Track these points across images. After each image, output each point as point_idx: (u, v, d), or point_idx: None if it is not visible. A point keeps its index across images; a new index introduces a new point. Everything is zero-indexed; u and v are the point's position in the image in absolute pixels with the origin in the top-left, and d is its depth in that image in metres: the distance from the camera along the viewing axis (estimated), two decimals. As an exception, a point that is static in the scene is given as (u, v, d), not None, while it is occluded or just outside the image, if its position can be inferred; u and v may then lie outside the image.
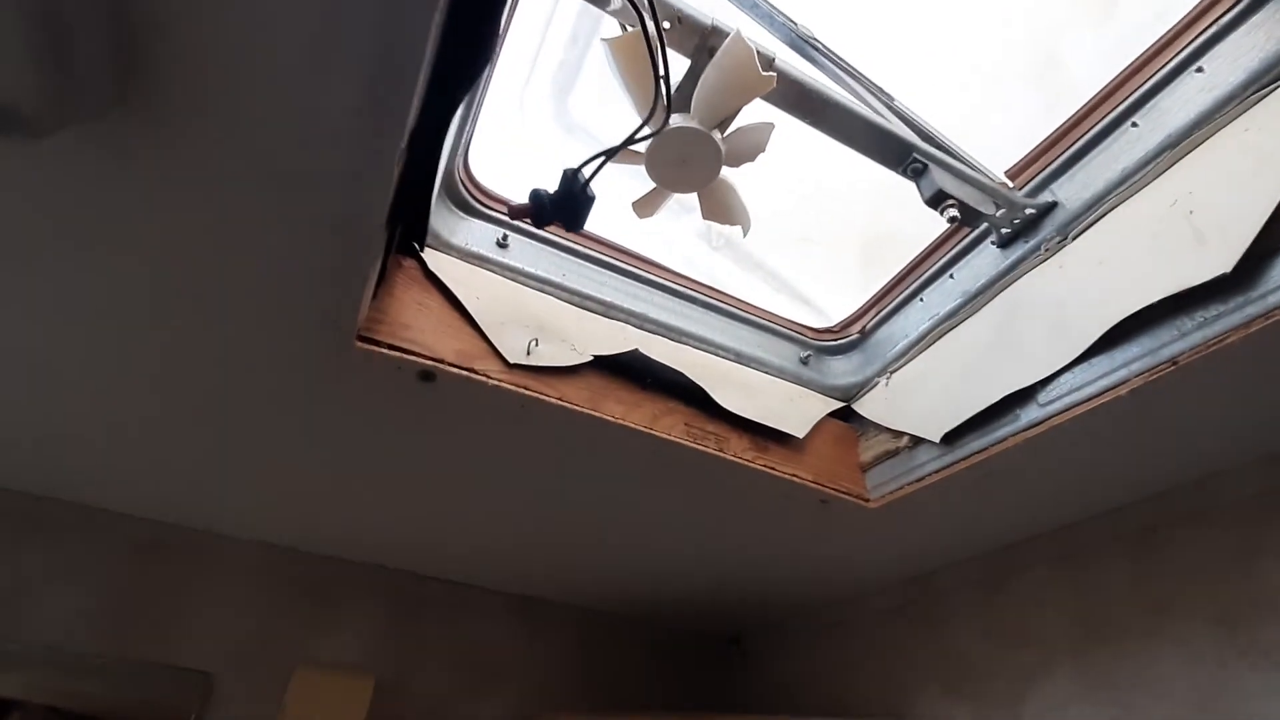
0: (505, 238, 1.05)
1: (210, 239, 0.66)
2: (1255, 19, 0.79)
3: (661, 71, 0.60)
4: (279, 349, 0.84)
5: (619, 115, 0.89)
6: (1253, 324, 0.72)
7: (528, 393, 0.93)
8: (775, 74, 0.79)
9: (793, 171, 1.32)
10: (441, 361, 0.89)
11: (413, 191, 0.68)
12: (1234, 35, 0.80)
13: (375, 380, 0.90)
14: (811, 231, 1.37)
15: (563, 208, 0.68)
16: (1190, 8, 0.85)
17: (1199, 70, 0.83)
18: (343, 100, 0.53)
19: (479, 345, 0.93)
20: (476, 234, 1.04)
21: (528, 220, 0.70)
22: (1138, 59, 0.89)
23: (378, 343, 0.86)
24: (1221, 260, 0.74)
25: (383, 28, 0.49)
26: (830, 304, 1.35)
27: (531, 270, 1.05)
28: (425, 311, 0.93)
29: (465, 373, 0.90)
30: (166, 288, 0.73)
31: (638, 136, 0.65)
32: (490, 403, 0.93)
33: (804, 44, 1.02)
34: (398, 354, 0.87)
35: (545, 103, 1.32)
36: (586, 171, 0.67)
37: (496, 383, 0.91)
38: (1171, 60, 0.85)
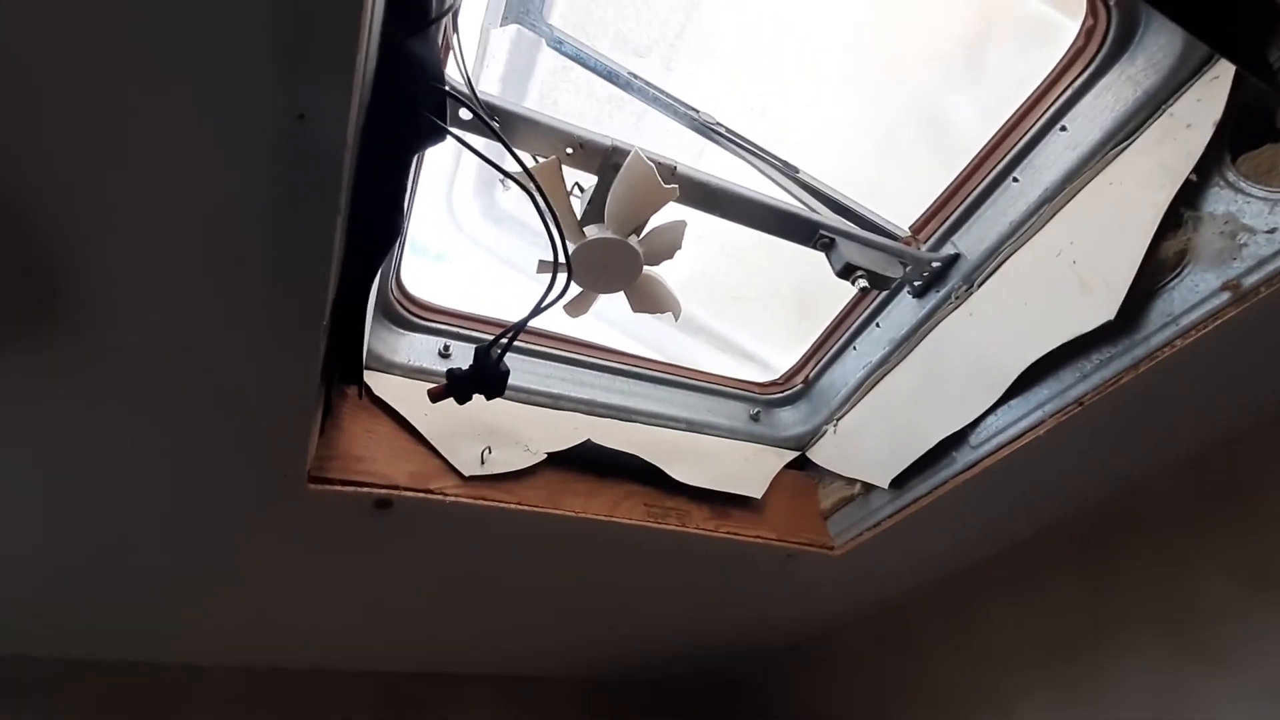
0: (447, 348, 1.07)
1: (151, 422, 0.68)
2: (1104, 82, 0.87)
3: (557, 240, 0.64)
4: (236, 504, 0.85)
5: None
6: (1141, 365, 0.78)
7: (486, 503, 0.95)
8: (676, 185, 0.84)
9: (723, 235, 1.38)
10: (396, 487, 0.91)
11: (344, 341, 0.71)
12: (1088, 97, 0.88)
13: (332, 516, 0.91)
14: (747, 290, 1.42)
15: (478, 382, 0.71)
16: (1048, 72, 0.92)
17: (1063, 129, 0.91)
18: (257, 298, 0.56)
19: (433, 463, 0.95)
20: (418, 348, 1.06)
21: (452, 397, 0.73)
22: (1008, 121, 0.96)
23: (330, 480, 0.87)
24: (1106, 308, 0.80)
25: (287, 235, 0.52)
26: (774, 358, 1.40)
27: (477, 376, 1.08)
28: (375, 438, 0.94)
29: (422, 494, 0.92)
30: (115, 466, 0.75)
31: (543, 305, 0.69)
32: (450, 518, 0.95)
33: (707, 129, 1.08)
34: (351, 488, 0.89)
35: (471, 201, 1.37)
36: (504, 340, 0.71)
37: (455, 498, 0.93)
38: (1038, 121, 0.92)
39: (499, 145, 0.79)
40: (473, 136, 0.75)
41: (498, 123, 0.68)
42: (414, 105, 0.51)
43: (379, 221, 0.58)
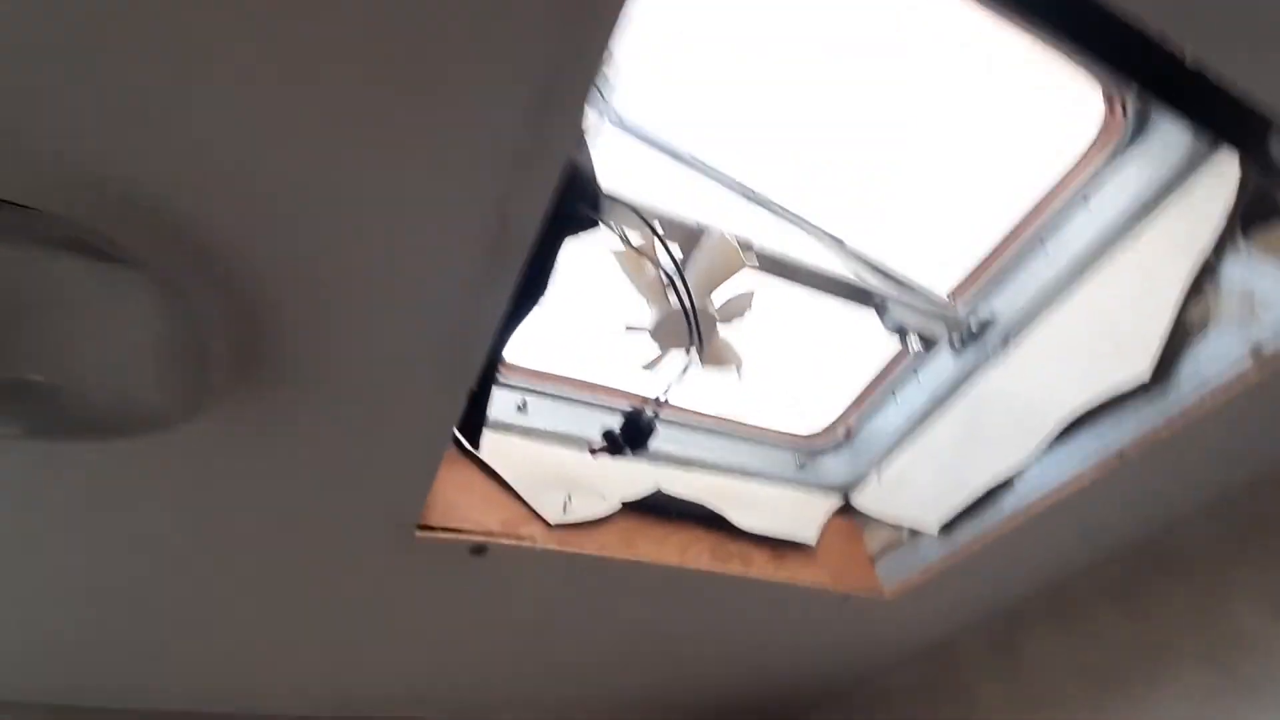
0: (524, 403, 1.15)
1: (308, 481, 0.75)
2: (1123, 163, 0.98)
3: (684, 301, 0.74)
4: (349, 552, 0.91)
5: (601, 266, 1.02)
6: (1175, 420, 0.88)
7: (570, 549, 1.01)
8: (754, 258, 0.94)
9: (762, 289, 1.47)
10: (491, 534, 0.98)
11: (475, 401, 0.79)
12: (1110, 177, 1.00)
13: (431, 562, 0.97)
14: (787, 342, 1.52)
15: (632, 438, 0.80)
16: (1074, 154, 1.04)
17: (1088, 204, 1.02)
18: (429, 365, 0.64)
19: (520, 512, 1.02)
20: (497, 403, 1.14)
21: (608, 453, 0.82)
22: (1038, 197, 1.07)
23: (434, 528, 0.94)
24: (1140, 368, 0.90)
25: (468, 313, 0.61)
26: (815, 407, 1.49)
27: (551, 429, 1.15)
28: (468, 488, 1.01)
29: (513, 541, 0.98)
30: (264, 522, 0.81)
31: (685, 371, 0.79)
32: (538, 564, 1.01)
33: (762, 204, 1.19)
34: (451, 534, 0.95)
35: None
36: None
37: (543, 546, 0.99)
38: (1065, 196, 1.04)
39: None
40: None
41: (619, 208, 0.78)
42: (575, 201, 0.61)
43: (527, 298, 0.67)
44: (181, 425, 0.64)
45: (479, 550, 0.97)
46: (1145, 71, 0.79)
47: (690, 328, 0.77)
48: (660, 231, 0.90)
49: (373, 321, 0.60)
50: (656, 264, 0.90)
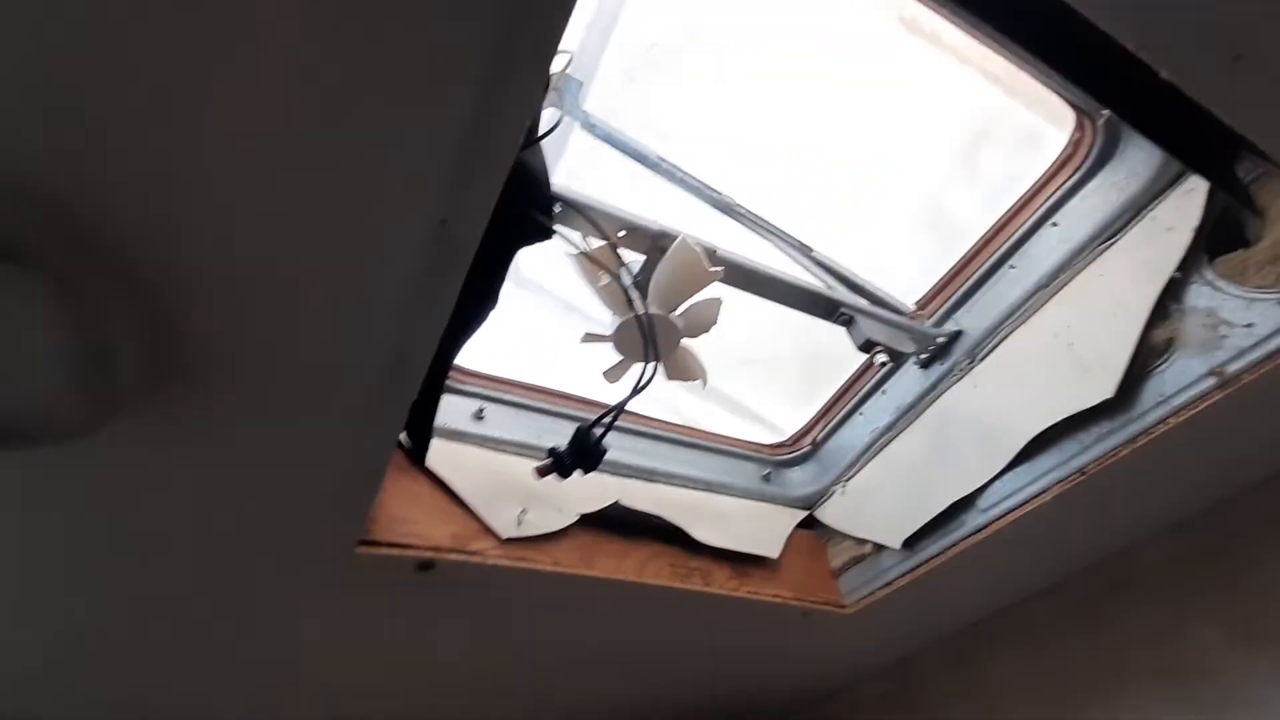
0: (481, 410, 1.11)
1: (237, 492, 0.70)
2: (1090, 186, 0.98)
3: (641, 314, 0.70)
4: (285, 569, 0.86)
5: (567, 272, 0.98)
6: (1138, 439, 0.87)
7: (523, 565, 0.97)
8: (721, 267, 0.91)
9: (731, 299, 1.46)
10: (439, 549, 0.93)
11: (417, 416, 0.74)
12: (1076, 199, 0.99)
13: (374, 578, 0.92)
14: (753, 354, 1.50)
15: (579, 458, 0.76)
16: (1040, 174, 1.03)
17: (1055, 225, 1.02)
18: (367, 375, 0.60)
19: (471, 525, 0.98)
20: (452, 410, 1.09)
21: (555, 474, 0.78)
22: (1004, 215, 1.06)
23: (377, 543, 0.89)
24: (1104, 388, 0.89)
25: (406, 321, 0.57)
26: (780, 420, 1.47)
27: (509, 437, 1.11)
28: (416, 500, 0.96)
29: (463, 556, 0.94)
30: (190, 536, 0.76)
31: (640, 387, 0.75)
32: (488, 579, 0.97)
33: (729, 209, 1.17)
34: (397, 550, 0.90)
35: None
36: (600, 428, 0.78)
37: (494, 561, 0.95)
38: (1032, 217, 1.03)
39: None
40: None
41: (575, 212, 0.75)
42: (526, 209, 0.57)
43: (474, 309, 0.63)
44: (92, 435, 0.59)
45: (426, 566, 0.93)
46: (1115, 93, 0.78)
47: (647, 343, 0.74)
48: (618, 242, 0.87)
49: (301, 328, 0.56)
50: (615, 276, 0.86)
